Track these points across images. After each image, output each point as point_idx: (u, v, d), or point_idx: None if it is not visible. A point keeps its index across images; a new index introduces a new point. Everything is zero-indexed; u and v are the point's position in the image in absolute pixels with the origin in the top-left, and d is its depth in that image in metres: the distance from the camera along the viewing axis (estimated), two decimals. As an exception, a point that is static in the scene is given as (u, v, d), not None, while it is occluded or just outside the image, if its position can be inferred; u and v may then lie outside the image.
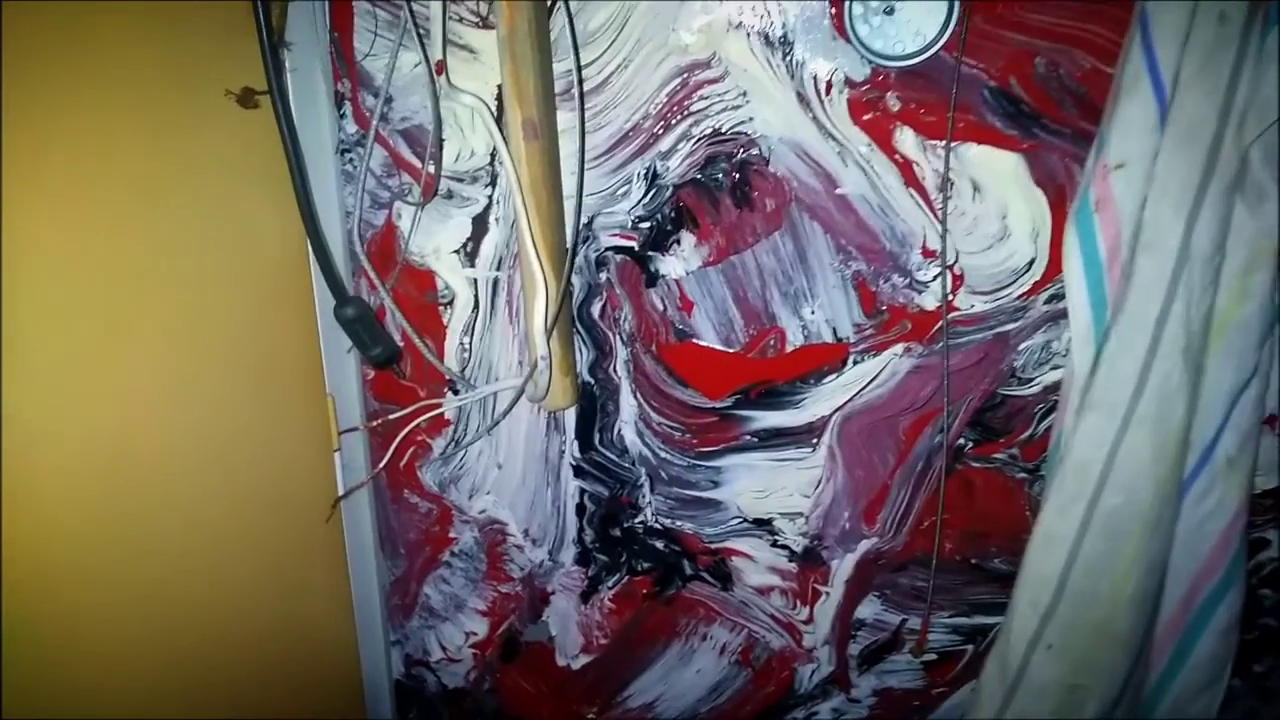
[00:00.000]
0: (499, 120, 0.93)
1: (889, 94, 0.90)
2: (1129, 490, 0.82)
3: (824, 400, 1.02)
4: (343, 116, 1.00)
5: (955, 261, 0.94)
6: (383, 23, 0.95)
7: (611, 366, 1.05)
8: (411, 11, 0.88)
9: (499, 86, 0.94)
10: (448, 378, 1.08)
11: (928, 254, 0.94)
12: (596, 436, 1.09)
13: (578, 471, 1.11)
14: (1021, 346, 0.96)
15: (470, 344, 1.08)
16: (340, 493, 1.08)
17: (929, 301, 0.96)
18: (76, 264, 0.70)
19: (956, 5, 0.85)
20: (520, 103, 0.86)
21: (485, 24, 0.93)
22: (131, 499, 0.78)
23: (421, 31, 0.88)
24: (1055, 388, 0.96)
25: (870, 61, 0.89)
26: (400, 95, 0.98)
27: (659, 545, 1.13)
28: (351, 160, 1.02)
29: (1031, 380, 0.97)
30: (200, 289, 0.84)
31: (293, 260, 0.94)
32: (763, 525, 1.09)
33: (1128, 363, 0.80)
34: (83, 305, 0.71)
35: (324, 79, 0.98)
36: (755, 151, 0.94)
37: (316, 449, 1.05)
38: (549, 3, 0.83)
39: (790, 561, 1.10)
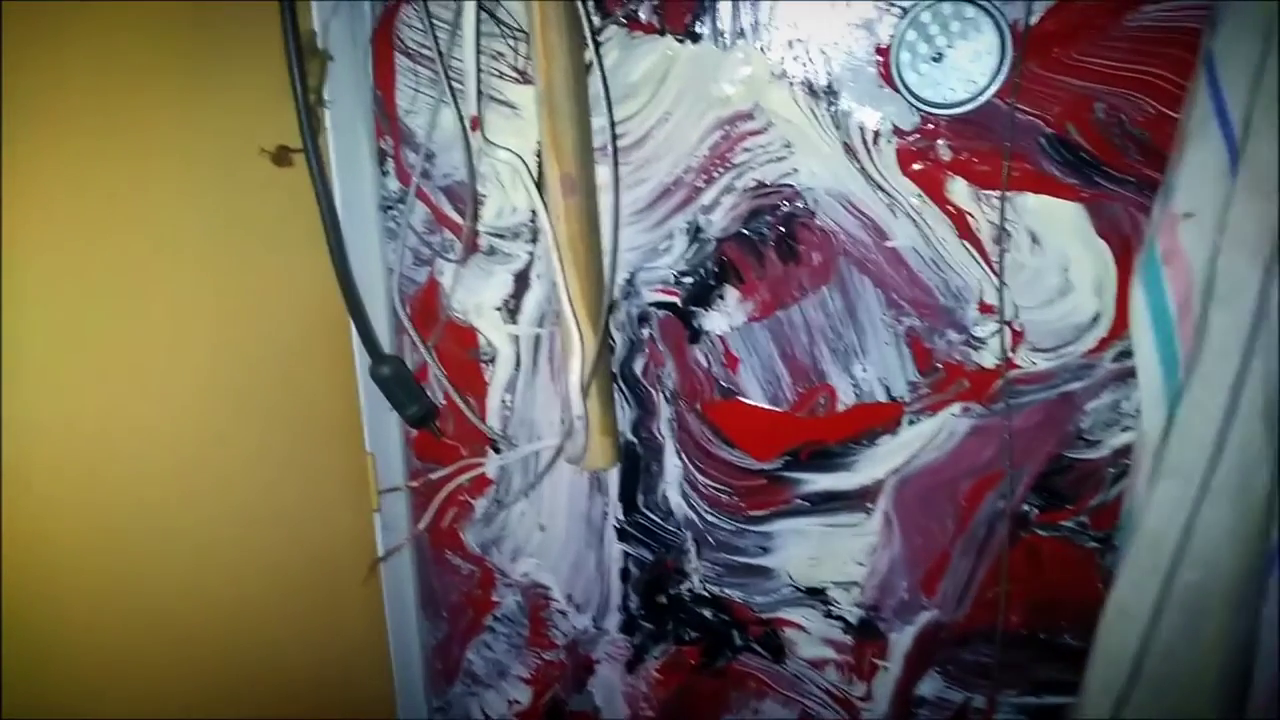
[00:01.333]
0: (538, 176, 0.92)
1: (940, 143, 0.86)
2: (1209, 565, 0.76)
3: (878, 462, 0.97)
4: (385, 173, 1.00)
5: (1014, 317, 0.89)
6: (424, 80, 0.95)
7: (655, 425, 1.02)
8: (446, 70, 0.87)
9: (539, 141, 0.93)
10: (489, 436, 1.06)
11: (985, 309, 0.90)
12: (640, 498, 1.05)
13: (621, 535, 1.07)
14: (1088, 407, 0.90)
15: (512, 401, 1.06)
16: (380, 554, 1.06)
17: (987, 359, 0.91)
18: (107, 321, 0.70)
19: (1008, 51, 0.81)
20: (558, 158, 0.85)
21: (525, 79, 0.92)
22: (163, 558, 0.77)
23: (457, 88, 0.88)
24: (1126, 451, 0.90)
25: (919, 110, 0.86)
26: (442, 152, 0.97)
27: (707, 614, 1.08)
28: (394, 217, 1.02)
29: (1100, 442, 0.91)
30: (236, 345, 0.84)
31: (333, 317, 0.94)
32: (816, 594, 1.03)
33: (1203, 426, 0.74)
34: (114, 362, 0.71)
35: (366, 136, 0.98)
36: (800, 204, 0.91)
37: (356, 508, 1.04)
38: (586, 59, 0.82)
39: (845, 633, 1.04)
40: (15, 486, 0.62)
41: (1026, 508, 0.95)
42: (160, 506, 0.76)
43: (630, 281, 0.98)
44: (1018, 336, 0.90)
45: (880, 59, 0.85)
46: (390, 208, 1.01)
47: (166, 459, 0.76)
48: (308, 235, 0.88)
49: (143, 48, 0.71)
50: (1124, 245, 0.85)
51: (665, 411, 1.01)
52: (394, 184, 1.00)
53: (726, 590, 1.06)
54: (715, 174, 0.92)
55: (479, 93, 0.84)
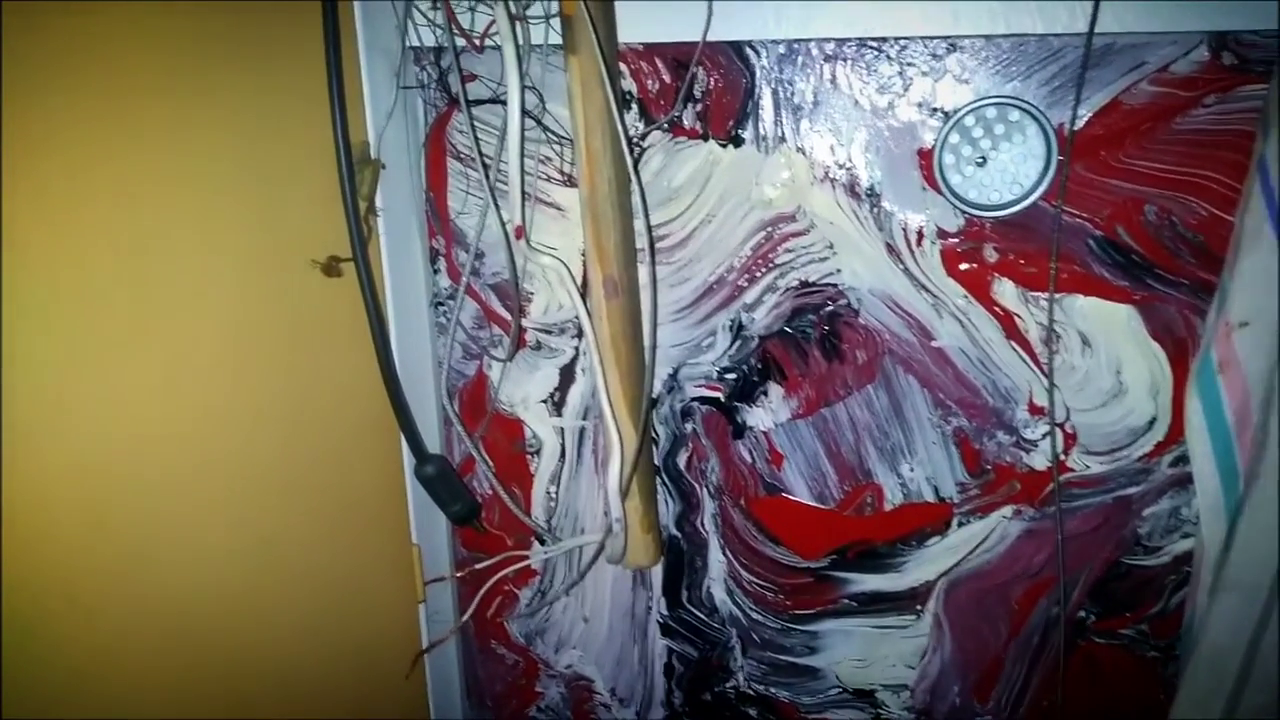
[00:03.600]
0: (582, 277, 0.93)
1: (985, 245, 0.86)
2: (1276, 688, 0.72)
3: (928, 564, 0.95)
4: (436, 271, 1.02)
5: (1066, 419, 0.87)
6: (474, 182, 0.97)
7: (699, 520, 1.01)
8: (491, 180, 0.89)
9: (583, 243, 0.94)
10: (533, 529, 1.06)
11: (1035, 411, 0.88)
12: (684, 594, 1.04)
13: (665, 630, 1.06)
14: (1146, 512, 0.87)
15: (557, 493, 1.06)
16: (424, 645, 1.06)
17: (1039, 461, 0.89)
18: (161, 421, 0.72)
19: (1054, 154, 0.81)
20: (601, 261, 0.86)
21: (570, 182, 0.94)
22: (211, 650, 0.78)
23: (501, 192, 0.90)
24: (1186, 558, 0.86)
25: (963, 212, 0.85)
26: (491, 251, 0.99)
27: (752, 713, 1.06)
28: (444, 313, 1.04)
29: (1159, 549, 0.88)
30: (288, 439, 0.86)
31: (381, 413, 0.95)
32: (864, 697, 1.01)
33: (1266, 541, 0.72)
34: (169, 455, 0.72)
35: (419, 236, 1.00)
36: (844, 303, 0.91)
37: (401, 599, 1.04)
38: (630, 164, 0.83)
39: (895, 737, 1.01)
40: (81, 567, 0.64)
41: (1083, 614, 0.92)
42: (210, 598, 0.77)
43: (674, 377, 0.98)
44: (1070, 439, 0.88)
45: (923, 161, 0.85)
46: (441, 304, 1.03)
47: (217, 551, 0.78)
48: (360, 334, 0.90)
49: (206, 156, 0.74)
50: (1179, 348, 0.83)
51: (709, 506, 1.01)
52: (445, 281, 1.02)
53: (772, 690, 1.04)
54: (758, 273, 0.92)
55: (524, 199, 0.86)
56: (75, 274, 0.62)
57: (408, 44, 0.91)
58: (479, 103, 0.93)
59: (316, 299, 0.88)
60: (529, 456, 1.06)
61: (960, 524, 0.93)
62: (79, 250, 0.62)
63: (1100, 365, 0.85)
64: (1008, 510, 0.91)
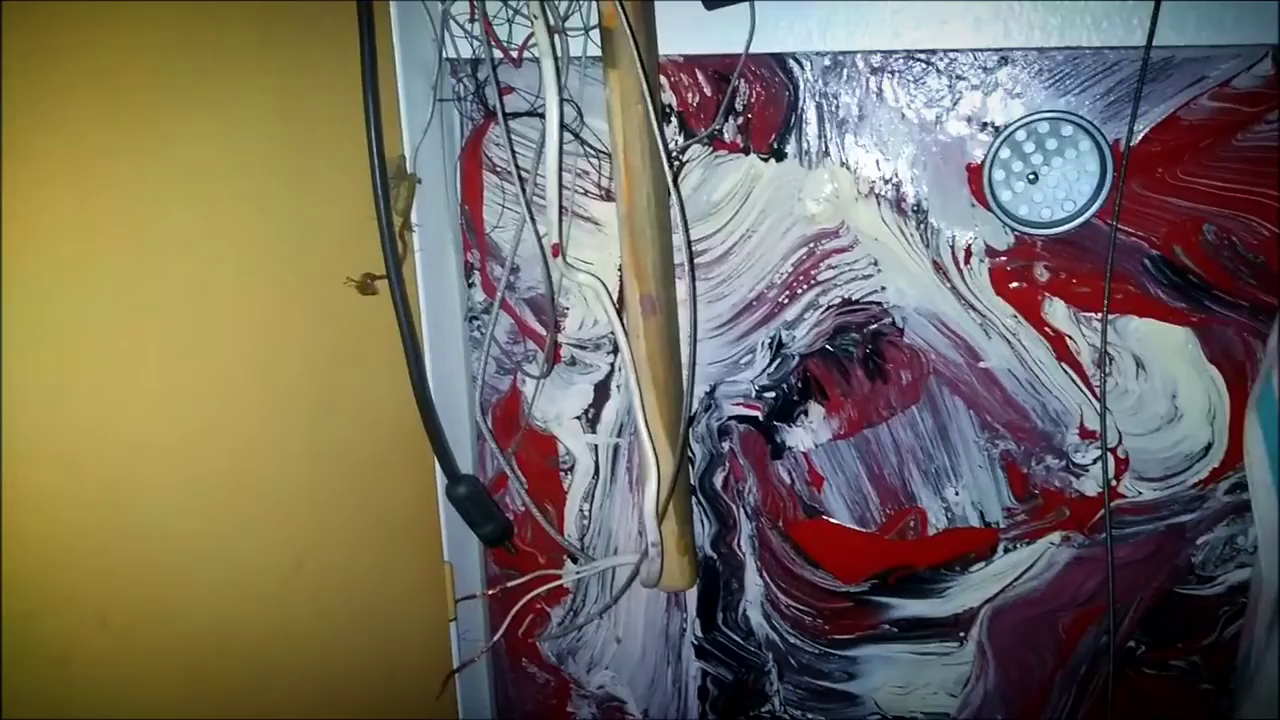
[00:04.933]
0: (619, 294, 0.91)
1: (1036, 263, 0.83)
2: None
3: (972, 590, 0.92)
4: (471, 285, 1.01)
5: (1118, 444, 0.84)
6: (510, 196, 0.96)
7: (735, 541, 0.99)
8: (526, 197, 0.88)
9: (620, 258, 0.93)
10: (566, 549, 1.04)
11: (1086, 435, 0.85)
12: (720, 616, 1.02)
13: (699, 652, 1.04)
14: (1200, 541, 0.84)
15: (590, 511, 1.04)
16: (455, 664, 1.05)
17: (1089, 487, 0.86)
18: (197, 437, 0.71)
19: (1109, 171, 0.78)
20: (638, 279, 0.84)
21: (608, 196, 0.92)
22: (236, 668, 0.77)
23: (539, 205, 0.88)
24: (1242, 589, 0.83)
25: (1013, 229, 0.83)
26: (526, 266, 0.98)
27: (788, 738, 1.03)
28: (479, 327, 1.02)
29: (1214, 579, 0.85)
30: (320, 458, 0.85)
31: (414, 429, 0.94)
32: (904, 724, 0.98)
33: (1331, 576, 0.69)
34: (201, 474, 0.72)
35: (454, 250, 0.99)
36: (888, 321, 0.88)
37: (432, 617, 1.03)
38: (670, 180, 0.82)
39: (936, 766, 0.98)
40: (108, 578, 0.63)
41: (1133, 644, 0.89)
42: (241, 617, 0.76)
43: (711, 394, 0.96)
44: (1122, 464, 0.85)
45: (972, 177, 0.83)
46: (475, 318, 1.02)
47: (248, 570, 0.77)
48: (394, 351, 0.89)
49: (237, 170, 0.73)
50: (1238, 372, 0.80)
51: (746, 528, 0.98)
52: (480, 295, 1.01)
53: (809, 715, 1.01)
54: (799, 290, 0.90)
55: (561, 215, 0.84)
56: (103, 292, 0.61)
57: (444, 56, 0.89)
58: (516, 115, 0.91)
59: (350, 315, 0.86)
60: (562, 473, 1.04)
61: (1006, 550, 0.90)
62: (107, 267, 0.61)
63: (1155, 389, 0.82)
64: (1056, 536, 0.88)
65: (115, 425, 0.63)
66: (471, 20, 0.86)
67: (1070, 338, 0.84)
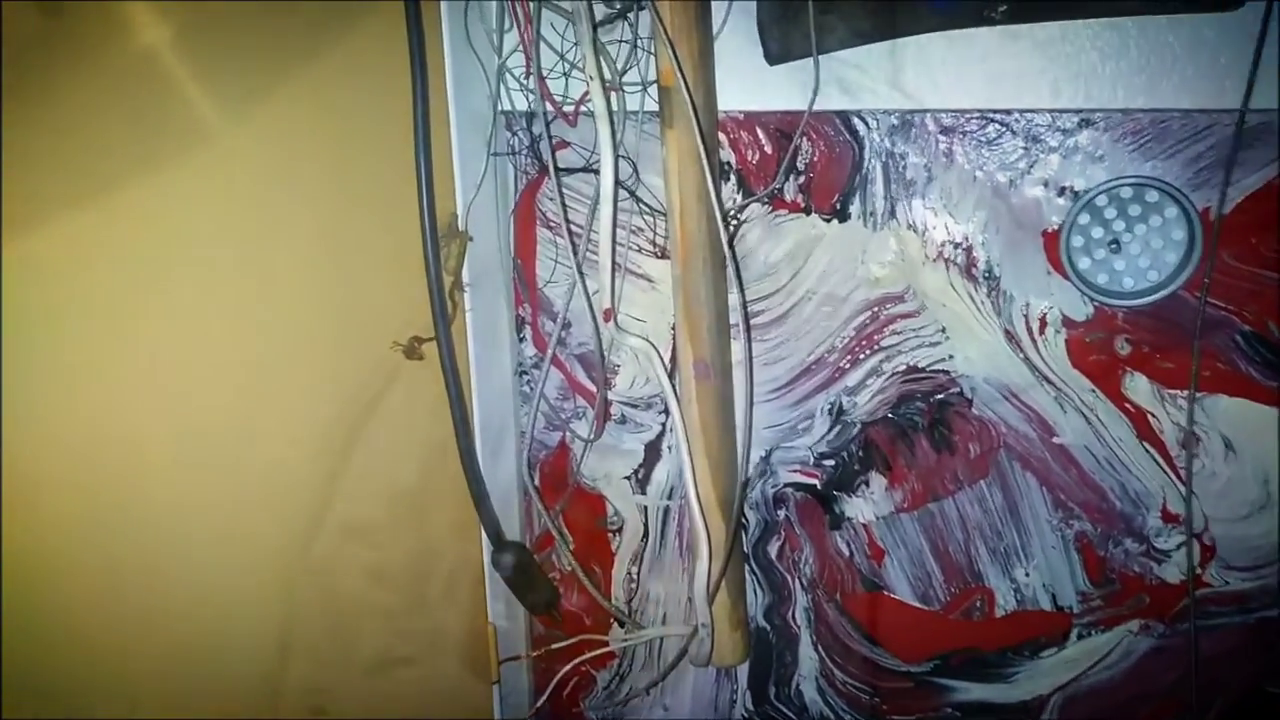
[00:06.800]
0: (671, 355, 0.88)
1: (1117, 336, 0.78)
2: None
3: (1042, 676, 0.87)
4: (522, 339, 0.99)
5: (1204, 529, 0.79)
6: (563, 251, 0.94)
7: (789, 613, 0.95)
8: (577, 258, 0.85)
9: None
10: (614, 614, 1.01)
11: (1169, 518, 0.80)
12: (772, 689, 0.98)
13: (750, 726, 1.00)
14: (1295, 637, 0.78)
15: (638, 574, 1.01)
16: (497, 728, 1.02)
17: (1171, 574, 0.81)
18: (248, 510, 0.70)
19: (1198, 240, 0.73)
20: (692, 341, 0.81)
21: (663, 254, 0.90)
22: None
23: (588, 268, 0.86)
24: (1344, 692, 0.77)
25: (1092, 299, 0.78)
26: (578, 321, 0.95)
27: (842, 820, 0.98)
28: (529, 382, 1.00)
29: (1311, 679, 0.79)
30: (368, 517, 0.83)
31: (462, 491, 0.92)
32: (966, 814, 0.93)
33: None
34: (247, 538, 0.71)
35: (506, 305, 0.97)
36: (956, 391, 0.84)
37: (475, 680, 1.00)
38: (726, 243, 0.79)
39: None
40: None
41: (1218, 744, 0.82)
42: (286, 677, 0.75)
43: (766, 459, 0.92)
44: (1208, 551, 0.79)
45: (1048, 243, 0.79)
46: (525, 373, 0.99)
47: (297, 629, 0.75)
48: (444, 410, 0.87)
49: (287, 231, 0.72)
50: (1339, 458, 0.74)
51: (801, 599, 0.94)
52: (530, 350, 0.99)
53: (864, 799, 0.96)
54: (861, 355, 0.86)
55: (614, 276, 0.82)
56: (148, 354, 0.61)
57: (500, 109, 0.88)
58: (571, 171, 0.89)
59: (400, 374, 0.85)
60: (610, 534, 1.01)
61: (1080, 636, 0.85)
62: (152, 333, 0.61)
63: (1245, 473, 0.77)
64: (1134, 624, 0.83)
65: (167, 492, 0.63)
66: (527, 75, 0.84)
67: (1153, 414, 0.79)
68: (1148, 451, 0.79)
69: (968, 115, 0.78)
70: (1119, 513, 0.81)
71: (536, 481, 1.00)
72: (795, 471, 0.92)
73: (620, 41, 0.82)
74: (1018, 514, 0.84)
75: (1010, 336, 0.81)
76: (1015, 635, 0.87)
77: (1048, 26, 0.74)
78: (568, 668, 1.03)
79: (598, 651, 1.02)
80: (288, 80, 0.70)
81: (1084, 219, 0.77)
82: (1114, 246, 0.76)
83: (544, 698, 1.05)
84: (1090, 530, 0.82)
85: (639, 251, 0.91)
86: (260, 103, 0.68)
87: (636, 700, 1.04)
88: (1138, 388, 0.79)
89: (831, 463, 0.90)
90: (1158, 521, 0.80)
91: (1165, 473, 0.79)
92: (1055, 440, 0.82)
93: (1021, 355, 0.81)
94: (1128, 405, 0.79)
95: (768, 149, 0.84)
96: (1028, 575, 0.85)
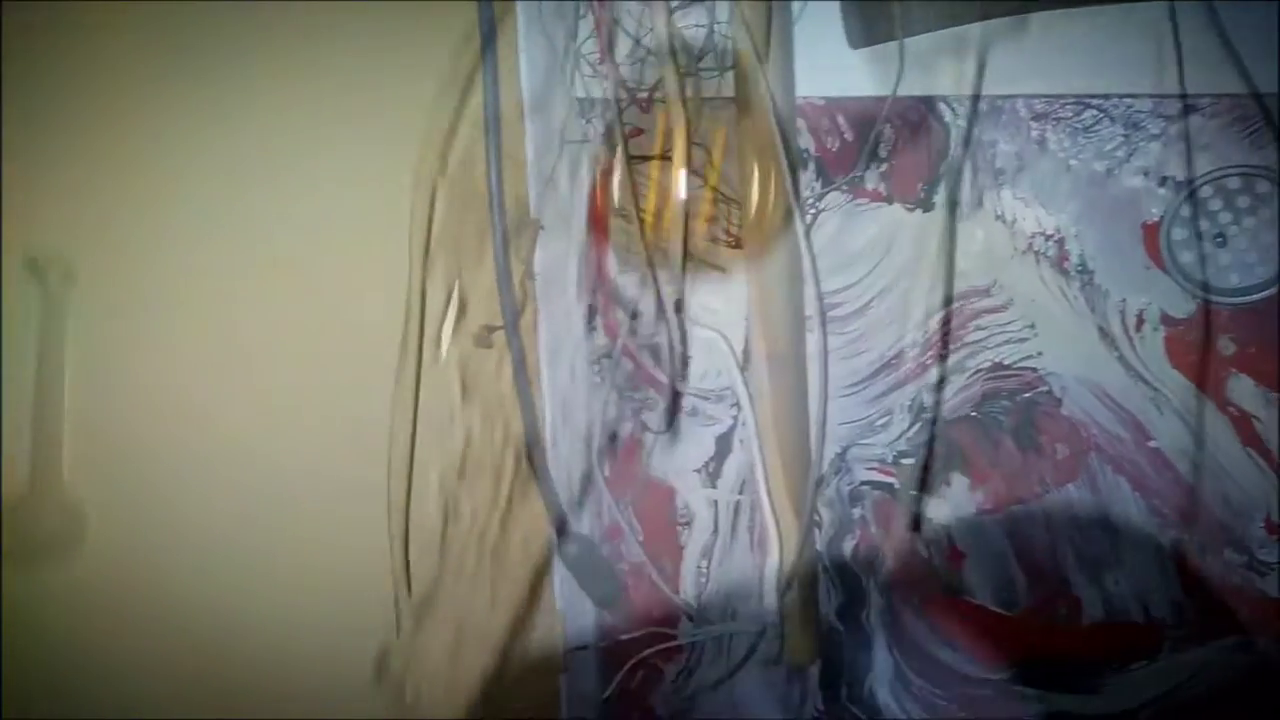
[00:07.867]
0: (744, 347, 0.87)
1: (1221, 335, 0.74)
2: None
3: (1131, 690, 0.83)
4: (593, 329, 0.98)
5: (1313, 542, 0.74)
6: (634, 239, 0.92)
7: (864, 615, 0.92)
8: (649, 250, 0.84)
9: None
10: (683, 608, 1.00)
11: (1273, 530, 0.75)
12: (844, 690, 0.95)
13: (820, 727, 0.98)
14: None
15: (708, 569, 0.99)
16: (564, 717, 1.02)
17: (1273, 587, 0.76)
18: (308, 514, 0.70)
19: (1314, 234, 0.69)
20: (765, 335, 0.79)
21: (736, 244, 0.87)
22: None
23: (658, 260, 0.84)
24: None
25: (1195, 296, 0.74)
26: (649, 311, 0.94)
27: (913, 826, 0.96)
28: (599, 372, 0.99)
29: None
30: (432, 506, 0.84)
31: (526, 481, 0.92)
32: (1045, 827, 0.90)
33: None
34: (324, 512, 0.72)
35: (577, 294, 0.96)
36: (1044, 390, 0.80)
37: (543, 669, 1.00)
38: (802, 233, 0.76)
39: None
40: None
41: (1323, 769, 0.78)
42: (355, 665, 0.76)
43: (842, 456, 0.90)
44: (1317, 565, 0.75)
45: (1147, 236, 0.74)
46: (595, 363, 0.99)
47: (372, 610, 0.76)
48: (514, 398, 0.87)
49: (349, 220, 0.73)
50: None
51: (876, 601, 0.92)
52: (601, 339, 0.98)
53: (938, 806, 0.94)
54: (944, 351, 0.83)
55: (685, 267, 0.80)
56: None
57: (573, 96, 0.87)
58: (644, 159, 0.87)
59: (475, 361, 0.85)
60: (679, 528, 1.00)
61: (1173, 650, 0.81)
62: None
63: (1362, 484, 0.72)
64: (1231, 640, 0.79)
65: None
66: (601, 61, 0.83)
67: (1258, 419, 0.74)
68: (1251, 457, 0.75)
69: (1062, 101, 0.75)
70: (1218, 522, 0.77)
71: (606, 472, 0.99)
72: (873, 469, 0.89)
73: (697, 26, 0.80)
74: (1108, 520, 0.81)
75: (1104, 334, 0.78)
76: (1103, 646, 0.83)
77: (1151, 6, 0.70)
78: (635, 660, 1.03)
79: (666, 645, 1.01)
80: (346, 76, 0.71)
81: (1187, 211, 0.73)
82: (1220, 240, 0.72)
83: (612, 687, 1.05)
84: (1186, 539, 0.78)
85: (713, 241, 0.89)
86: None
87: (704, 695, 1.03)
88: (1242, 390, 0.74)
89: (910, 461, 0.87)
90: (1261, 532, 0.76)
91: (1270, 480, 0.75)
92: (1150, 443, 0.78)
93: (1116, 354, 0.77)
94: (1230, 408, 0.75)
95: (848, 136, 0.81)
96: (1117, 583, 0.82)
